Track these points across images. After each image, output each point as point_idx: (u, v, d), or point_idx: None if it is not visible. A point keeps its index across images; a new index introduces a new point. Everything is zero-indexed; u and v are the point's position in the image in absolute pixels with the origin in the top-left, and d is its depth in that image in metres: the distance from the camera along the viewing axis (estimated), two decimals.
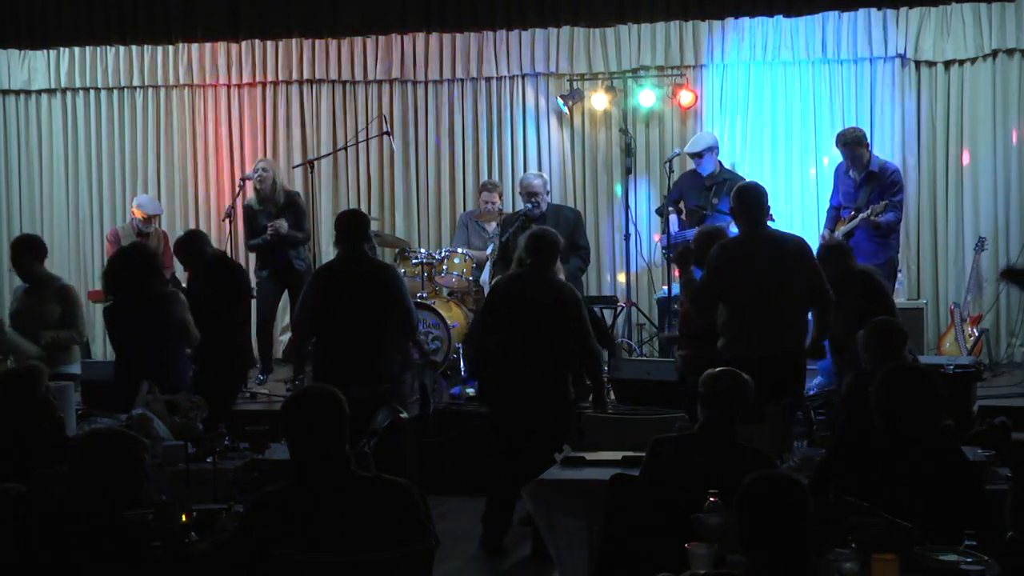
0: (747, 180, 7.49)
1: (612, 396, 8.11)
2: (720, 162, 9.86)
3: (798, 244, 6.98)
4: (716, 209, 9.44)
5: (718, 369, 5.19)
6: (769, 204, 6.99)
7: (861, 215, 8.91)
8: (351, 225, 7.06)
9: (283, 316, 10.45)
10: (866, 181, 9.09)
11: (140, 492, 4.07)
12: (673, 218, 9.71)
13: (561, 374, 6.92)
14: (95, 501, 3.94)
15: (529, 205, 9.43)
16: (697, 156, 9.69)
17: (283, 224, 9.50)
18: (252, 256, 10.15)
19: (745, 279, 6.69)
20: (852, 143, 9.11)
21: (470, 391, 8.77)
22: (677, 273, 8.15)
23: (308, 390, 4.36)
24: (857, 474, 4.52)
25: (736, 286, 6.71)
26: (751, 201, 6.85)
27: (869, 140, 9.45)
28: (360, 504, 3.96)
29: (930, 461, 4.52)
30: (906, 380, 4.67)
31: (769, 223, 7.11)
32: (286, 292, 9.89)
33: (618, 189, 10.86)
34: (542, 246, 7.03)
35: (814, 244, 10.11)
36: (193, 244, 8.10)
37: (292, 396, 4.24)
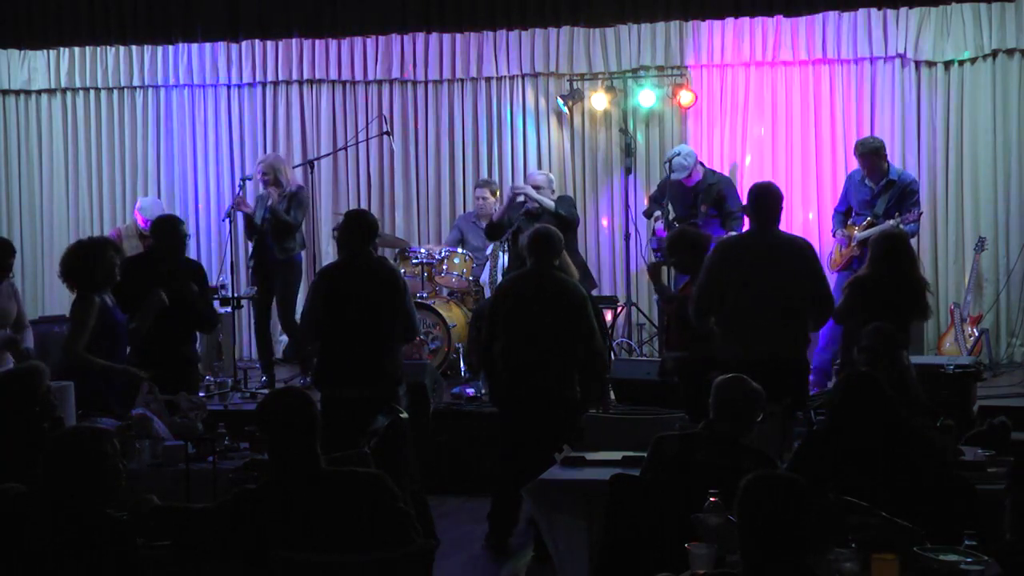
0: (762, 181, 7.41)
1: (612, 396, 8.10)
2: (702, 165, 9.84)
3: (803, 247, 6.91)
4: (706, 216, 9.44)
5: (729, 375, 5.19)
6: (782, 207, 6.95)
7: (891, 222, 8.86)
8: (359, 227, 7.02)
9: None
10: (884, 189, 9.10)
11: (115, 486, 4.09)
12: (659, 224, 9.69)
13: (567, 373, 6.91)
14: (68, 499, 3.96)
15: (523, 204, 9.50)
16: (687, 176, 9.68)
17: (273, 194, 9.42)
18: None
19: (744, 279, 6.66)
20: (870, 153, 9.06)
21: (470, 391, 8.78)
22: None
23: (277, 393, 4.56)
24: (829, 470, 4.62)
25: (734, 285, 6.68)
26: (764, 201, 6.81)
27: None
28: (334, 497, 4.07)
29: (899, 458, 4.67)
30: (853, 388, 4.90)
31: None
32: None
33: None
34: (543, 245, 7.03)
35: (815, 244, 10.23)
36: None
37: (263, 400, 4.43)
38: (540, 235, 7.12)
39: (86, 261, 6.90)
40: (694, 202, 9.60)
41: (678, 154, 10.04)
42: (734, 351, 6.49)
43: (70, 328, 6.85)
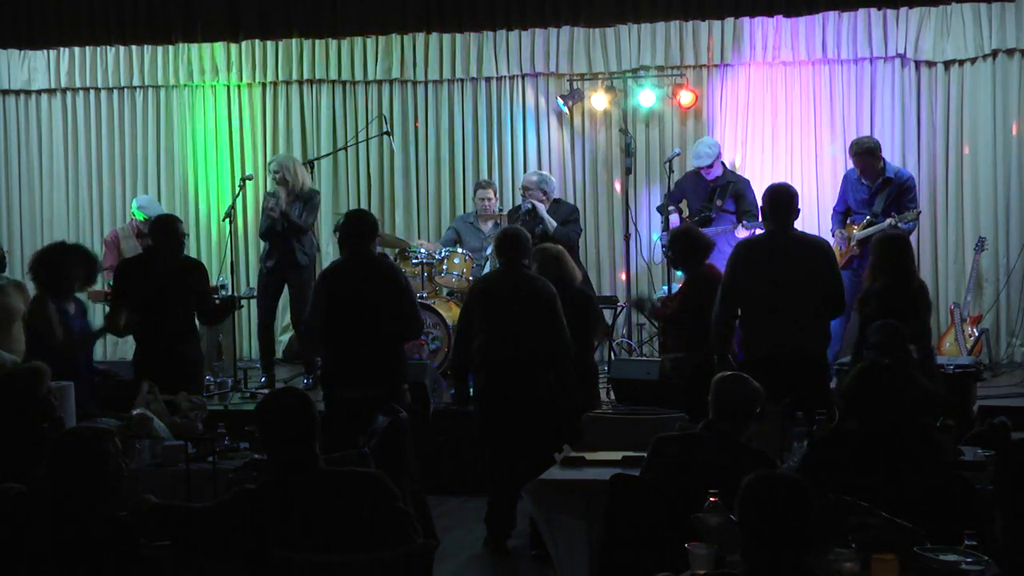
0: (777, 181, 7.53)
1: (612, 396, 8.13)
2: (723, 163, 9.89)
3: (822, 248, 7.04)
4: (721, 210, 9.50)
5: (729, 374, 5.20)
6: (799, 207, 7.02)
7: (888, 220, 8.90)
8: (360, 226, 7.06)
9: (283, 314, 10.44)
10: (881, 187, 9.13)
11: (117, 486, 4.09)
12: (674, 217, 9.75)
13: (542, 370, 6.95)
14: (70, 499, 3.96)
15: (525, 202, 9.57)
16: (708, 167, 9.72)
17: (281, 195, 9.48)
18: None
19: (764, 278, 6.76)
20: (865, 152, 9.11)
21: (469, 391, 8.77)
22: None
23: (277, 393, 4.58)
24: (840, 468, 4.60)
25: (755, 285, 6.78)
26: (781, 202, 6.91)
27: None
28: (334, 497, 4.08)
29: (908, 456, 4.65)
30: (871, 378, 4.82)
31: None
32: (286, 290, 9.87)
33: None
34: (508, 244, 7.15)
35: None
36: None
37: (263, 400, 4.43)
38: (508, 236, 7.25)
39: (51, 263, 6.98)
40: (710, 196, 9.64)
41: (677, 154, 10.08)
42: (760, 347, 6.68)
43: (57, 338, 6.89)
